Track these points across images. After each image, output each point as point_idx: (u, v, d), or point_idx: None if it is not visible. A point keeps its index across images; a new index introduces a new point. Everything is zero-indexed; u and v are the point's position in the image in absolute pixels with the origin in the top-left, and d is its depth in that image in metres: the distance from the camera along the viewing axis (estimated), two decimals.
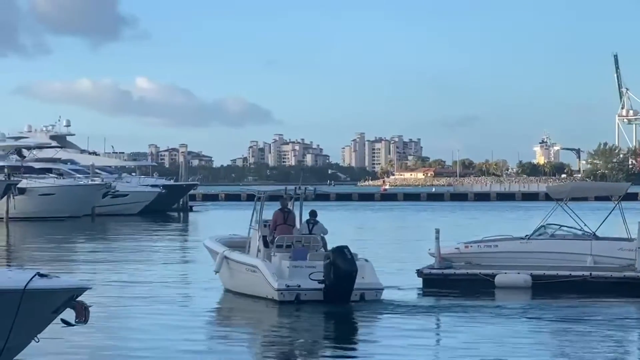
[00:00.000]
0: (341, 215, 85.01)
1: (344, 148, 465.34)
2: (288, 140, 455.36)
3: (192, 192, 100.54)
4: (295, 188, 25.90)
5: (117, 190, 79.92)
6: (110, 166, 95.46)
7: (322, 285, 22.70)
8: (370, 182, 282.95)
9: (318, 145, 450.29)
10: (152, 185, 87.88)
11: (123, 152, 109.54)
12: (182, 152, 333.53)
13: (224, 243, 26.80)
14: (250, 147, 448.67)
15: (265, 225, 25.25)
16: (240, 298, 24.23)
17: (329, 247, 23.94)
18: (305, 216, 25.56)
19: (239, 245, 26.34)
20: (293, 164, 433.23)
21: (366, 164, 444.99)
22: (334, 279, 22.39)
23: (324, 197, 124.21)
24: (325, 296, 22.61)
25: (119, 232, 57.37)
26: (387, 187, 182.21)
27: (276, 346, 17.79)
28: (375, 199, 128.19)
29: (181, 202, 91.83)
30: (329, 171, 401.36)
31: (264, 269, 23.68)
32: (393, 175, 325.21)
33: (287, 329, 19.86)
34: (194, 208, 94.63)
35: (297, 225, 25.34)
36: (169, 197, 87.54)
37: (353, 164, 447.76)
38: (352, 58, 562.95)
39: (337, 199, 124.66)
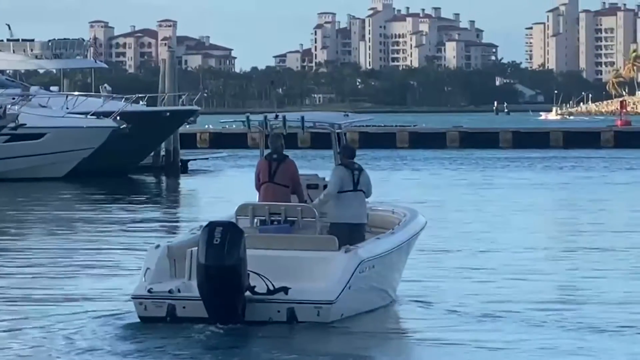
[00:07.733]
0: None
1: (529, 34, 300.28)
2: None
3: (187, 128, 65.85)
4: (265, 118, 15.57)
5: (23, 125, 52.08)
6: (4, 71, 62.40)
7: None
8: (605, 106, 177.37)
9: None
10: (98, 115, 54.48)
11: (33, 40, 70.03)
12: (166, 37, 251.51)
13: None
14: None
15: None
16: None
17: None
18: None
19: None
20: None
21: (582, 64, 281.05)
22: (198, 282, 14.10)
23: (388, 140, 77.05)
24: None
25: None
26: (626, 117, 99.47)
27: None
28: (603, 144, 72.38)
29: (162, 152, 57.94)
30: (497, 81, 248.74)
31: None
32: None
33: None
34: (189, 164, 60.96)
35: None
36: (136, 139, 54.87)
37: (551, 66, 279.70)
38: None
39: (514, 145, 71.20)
